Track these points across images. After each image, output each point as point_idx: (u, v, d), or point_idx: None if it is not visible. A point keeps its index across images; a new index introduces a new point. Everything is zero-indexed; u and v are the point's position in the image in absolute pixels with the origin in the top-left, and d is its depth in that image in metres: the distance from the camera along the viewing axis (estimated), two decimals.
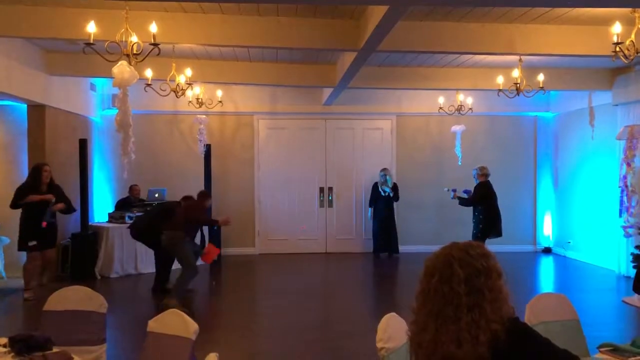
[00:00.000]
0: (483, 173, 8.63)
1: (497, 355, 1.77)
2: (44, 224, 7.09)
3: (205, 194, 7.75)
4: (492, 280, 1.84)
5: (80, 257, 8.40)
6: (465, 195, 8.73)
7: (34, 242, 7.09)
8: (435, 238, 9.86)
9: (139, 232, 7.71)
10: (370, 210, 10.50)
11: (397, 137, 11.07)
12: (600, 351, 2.83)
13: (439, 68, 8.71)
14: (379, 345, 2.71)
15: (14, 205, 7.10)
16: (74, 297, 3.43)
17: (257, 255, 10.72)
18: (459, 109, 9.36)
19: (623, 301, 7.06)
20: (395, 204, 10.46)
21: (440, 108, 9.50)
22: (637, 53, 4.89)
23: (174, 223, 7.11)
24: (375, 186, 10.40)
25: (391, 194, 10.21)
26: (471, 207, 8.64)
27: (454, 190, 8.86)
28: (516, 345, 1.80)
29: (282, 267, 9.81)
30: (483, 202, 8.42)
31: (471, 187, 8.81)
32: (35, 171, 7.23)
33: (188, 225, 7.16)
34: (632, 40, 4.85)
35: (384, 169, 10.31)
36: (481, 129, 11.00)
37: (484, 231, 8.34)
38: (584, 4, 4.88)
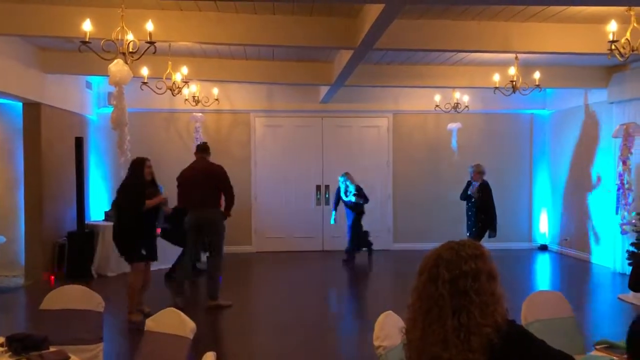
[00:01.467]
0: (479, 171, 8.54)
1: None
2: (158, 230, 6.56)
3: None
4: (481, 283, 1.80)
5: (76, 256, 8.38)
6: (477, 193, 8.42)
7: (144, 252, 6.19)
8: (431, 236, 9.86)
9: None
10: (333, 214, 9.94)
11: (393, 135, 11.07)
12: (596, 348, 2.85)
13: (435, 66, 8.72)
14: (376, 343, 2.72)
15: (137, 212, 6.06)
16: (70, 296, 3.43)
17: (254, 253, 10.72)
18: (456, 106, 9.37)
19: (618, 298, 7.09)
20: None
21: (437, 106, 9.51)
22: (633, 51, 4.91)
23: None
24: (338, 191, 9.84)
25: (359, 201, 9.54)
26: (465, 205, 8.55)
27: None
28: (512, 349, 1.77)
29: (279, 265, 9.81)
30: (486, 202, 8.29)
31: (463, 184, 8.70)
32: (137, 167, 6.19)
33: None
34: (627, 39, 4.87)
35: (345, 174, 9.70)
36: (478, 126, 11.02)
37: (481, 231, 8.31)
38: (579, 2, 4.89)
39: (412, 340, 1.87)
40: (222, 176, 6.80)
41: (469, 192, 8.37)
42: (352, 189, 9.55)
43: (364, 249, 9.97)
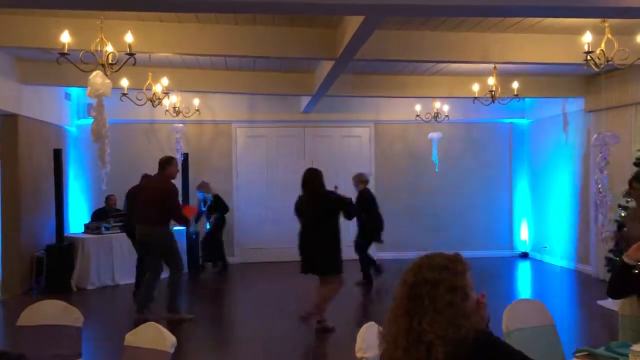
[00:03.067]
0: (362, 180, 8.72)
1: None
2: None
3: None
4: (438, 292, 1.81)
5: (55, 269, 8.24)
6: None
7: None
8: (414, 244, 9.90)
9: None
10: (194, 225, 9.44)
11: (375, 145, 11.12)
12: (576, 356, 2.87)
13: (415, 76, 8.80)
14: (358, 354, 2.72)
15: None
16: (48, 311, 3.36)
17: (237, 264, 10.64)
18: (436, 116, 9.46)
19: (599, 305, 7.17)
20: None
21: (418, 115, 9.58)
22: (607, 61, 5.01)
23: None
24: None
25: (213, 213, 9.55)
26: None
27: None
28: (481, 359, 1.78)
29: (263, 276, 9.75)
30: (366, 210, 8.49)
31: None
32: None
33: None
34: (602, 49, 4.97)
35: (200, 184, 9.63)
36: (458, 135, 11.12)
37: (368, 239, 8.61)
38: (555, 14, 4.97)
39: (383, 337, 1.94)
40: (167, 193, 6.49)
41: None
42: (208, 198, 9.72)
43: (210, 262, 9.95)
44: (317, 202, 6.00)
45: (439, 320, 1.79)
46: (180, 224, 6.92)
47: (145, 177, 7.94)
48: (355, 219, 8.48)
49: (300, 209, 6.14)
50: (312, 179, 6.07)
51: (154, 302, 6.75)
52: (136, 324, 5.83)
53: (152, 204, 6.44)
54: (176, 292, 6.64)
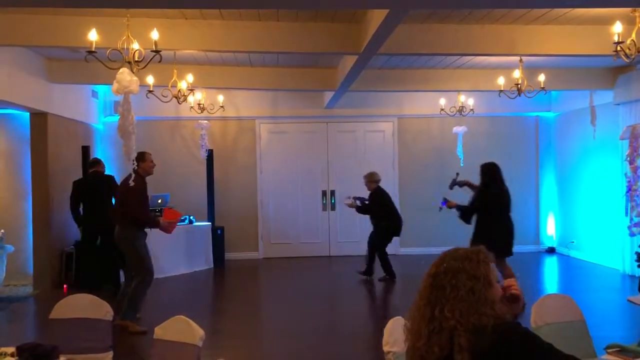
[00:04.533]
0: (373, 180, 8.71)
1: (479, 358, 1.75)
2: None
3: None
4: (458, 280, 1.83)
5: (84, 264, 8.38)
6: (358, 203, 8.78)
7: None
8: (438, 240, 9.83)
9: None
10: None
11: (398, 139, 11.06)
12: (607, 352, 2.83)
13: (439, 70, 8.72)
14: (385, 348, 2.72)
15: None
16: (79, 305, 3.44)
17: (261, 259, 10.72)
18: (461, 110, 9.36)
19: (628, 300, 7.04)
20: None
21: (442, 109, 9.50)
22: (638, 52, 4.89)
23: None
24: None
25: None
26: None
27: (357, 198, 8.85)
28: (507, 352, 1.74)
29: (286, 271, 9.81)
30: (381, 210, 8.58)
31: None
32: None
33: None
34: (632, 40, 4.85)
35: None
36: (483, 129, 10.99)
37: (385, 238, 8.66)
38: (581, 4, 4.88)
39: (408, 331, 1.95)
40: (126, 191, 6.05)
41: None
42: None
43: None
44: None
45: (461, 307, 1.79)
46: (150, 227, 6.28)
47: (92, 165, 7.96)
48: (370, 217, 8.69)
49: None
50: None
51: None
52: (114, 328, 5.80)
53: (117, 203, 6.26)
54: (134, 300, 6.07)
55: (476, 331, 1.76)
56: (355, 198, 8.85)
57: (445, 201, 7.32)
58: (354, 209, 8.99)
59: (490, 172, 6.80)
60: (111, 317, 3.44)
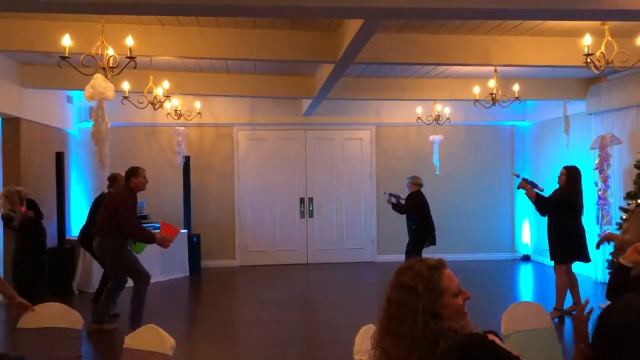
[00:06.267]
0: (416, 182, 8.64)
1: None
2: None
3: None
4: (389, 293, 1.87)
5: (57, 272, 8.26)
6: (394, 200, 8.60)
7: None
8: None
9: None
10: None
11: (376, 147, 11.13)
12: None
13: (416, 79, 8.81)
14: (356, 357, 2.72)
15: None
16: (48, 314, 3.38)
17: (238, 267, 10.66)
18: (437, 119, 9.46)
19: (600, 307, 7.15)
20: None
21: (419, 118, 9.59)
22: (608, 64, 5.01)
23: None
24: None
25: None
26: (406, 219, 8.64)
27: (392, 195, 8.63)
28: None
29: (263, 278, 9.76)
30: (415, 212, 8.44)
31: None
32: None
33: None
34: (602, 52, 4.97)
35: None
36: (459, 138, 11.12)
37: (418, 242, 8.38)
38: (554, 16, 4.98)
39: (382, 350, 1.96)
40: (118, 204, 6.16)
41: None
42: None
43: None
44: None
45: (414, 344, 1.76)
46: (146, 242, 6.31)
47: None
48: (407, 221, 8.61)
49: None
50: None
51: (112, 314, 6.59)
52: (89, 333, 5.90)
53: (106, 216, 6.19)
54: (140, 304, 6.15)
55: (442, 355, 1.71)
56: (391, 194, 8.66)
57: (526, 181, 7.03)
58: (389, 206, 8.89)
59: (573, 175, 6.72)
60: (82, 325, 3.39)
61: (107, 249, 6.23)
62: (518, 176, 7.26)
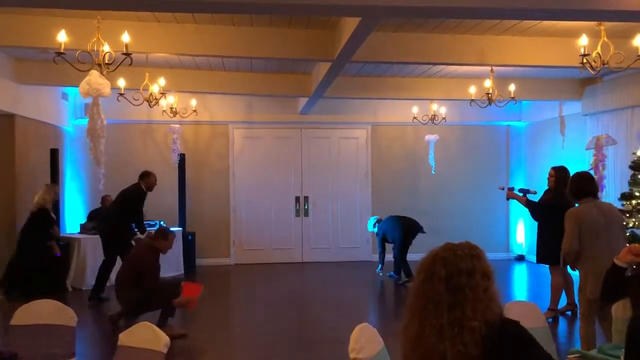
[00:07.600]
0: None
1: (488, 355, 1.83)
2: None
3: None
4: (475, 280, 1.90)
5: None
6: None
7: None
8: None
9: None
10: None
11: (372, 146, 11.13)
12: (568, 358, 2.88)
13: (412, 78, 8.81)
14: (351, 355, 2.71)
15: None
16: (42, 311, 3.36)
17: (233, 265, 10.64)
18: (433, 118, 9.47)
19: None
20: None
21: (415, 118, 9.59)
22: (604, 64, 5.03)
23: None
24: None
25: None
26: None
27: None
28: (505, 347, 1.84)
29: (258, 277, 9.75)
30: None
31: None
32: None
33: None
34: (598, 52, 4.99)
35: None
36: (455, 138, 11.13)
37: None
38: (550, 17, 4.99)
39: (407, 336, 1.97)
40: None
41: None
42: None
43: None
44: None
45: (480, 307, 1.86)
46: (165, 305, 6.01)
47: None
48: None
49: None
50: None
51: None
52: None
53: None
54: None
55: (489, 325, 1.85)
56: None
57: (513, 189, 6.92)
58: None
59: (561, 177, 6.36)
60: (75, 322, 3.38)
61: (132, 298, 6.00)
62: (503, 189, 7.15)
